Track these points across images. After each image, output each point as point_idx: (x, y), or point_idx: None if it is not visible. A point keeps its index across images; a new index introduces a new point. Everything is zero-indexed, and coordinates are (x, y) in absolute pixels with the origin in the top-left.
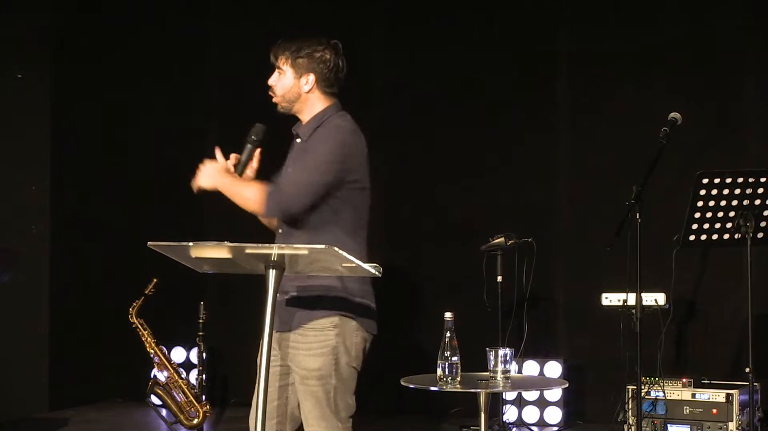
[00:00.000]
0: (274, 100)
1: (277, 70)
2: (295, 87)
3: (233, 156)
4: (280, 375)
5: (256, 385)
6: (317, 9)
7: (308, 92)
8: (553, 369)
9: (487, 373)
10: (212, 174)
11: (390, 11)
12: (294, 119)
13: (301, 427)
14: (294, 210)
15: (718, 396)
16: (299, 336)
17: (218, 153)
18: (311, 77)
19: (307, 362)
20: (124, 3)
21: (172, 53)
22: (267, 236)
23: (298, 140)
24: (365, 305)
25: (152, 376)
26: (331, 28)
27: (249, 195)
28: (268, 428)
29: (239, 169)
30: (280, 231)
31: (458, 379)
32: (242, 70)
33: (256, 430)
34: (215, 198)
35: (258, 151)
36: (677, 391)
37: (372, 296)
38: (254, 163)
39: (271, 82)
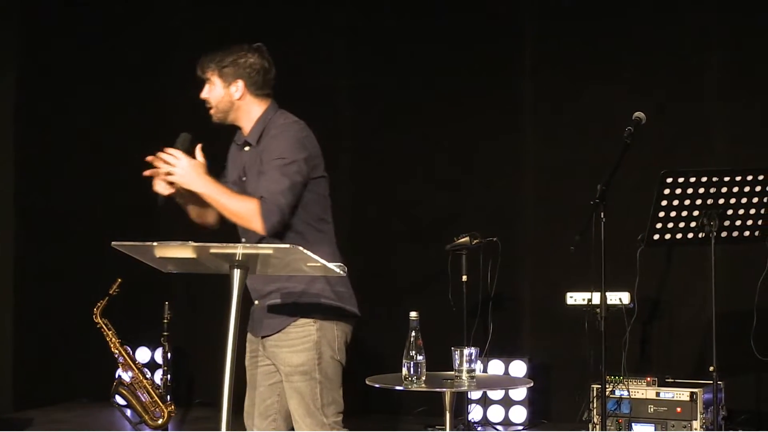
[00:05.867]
0: (210, 112)
1: (207, 83)
2: (226, 96)
3: (154, 160)
4: (271, 373)
5: (248, 387)
6: (283, 10)
7: (240, 99)
8: (518, 368)
9: (452, 373)
10: (191, 171)
11: (354, 11)
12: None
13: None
14: (287, 219)
15: (683, 395)
16: (282, 334)
17: (199, 151)
18: (240, 83)
19: (291, 358)
20: (91, 2)
21: (139, 53)
22: (235, 237)
23: (247, 147)
24: (344, 295)
25: (117, 376)
26: (296, 28)
27: (240, 208)
28: (263, 428)
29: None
30: (243, 240)
31: (423, 378)
32: None
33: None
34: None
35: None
36: (642, 390)
37: (347, 280)
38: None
39: (204, 95)
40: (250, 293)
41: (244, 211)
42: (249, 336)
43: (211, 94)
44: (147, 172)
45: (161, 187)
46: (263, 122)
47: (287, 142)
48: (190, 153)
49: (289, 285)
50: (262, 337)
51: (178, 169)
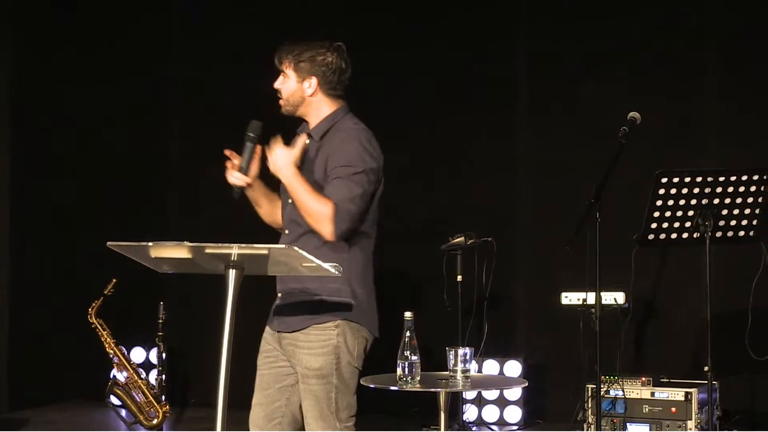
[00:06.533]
0: (280, 102)
1: (281, 74)
2: (298, 91)
3: (231, 154)
4: (282, 375)
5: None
6: (283, 10)
7: (311, 95)
8: (513, 368)
9: (447, 373)
10: (284, 158)
11: (353, 13)
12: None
13: (302, 428)
14: (356, 227)
15: (677, 394)
16: (300, 335)
17: (302, 139)
18: (313, 80)
19: (309, 361)
20: (91, 2)
21: (139, 53)
22: (229, 237)
23: (308, 140)
24: (367, 308)
25: (112, 376)
26: (295, 28)
27: (315, 208)
28: (268, 428)
29: (243, 169)
30: (287, 232)
31: (418, 378)
32: (206, 70)
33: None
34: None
35: (259, 148)
36: (636, 390)
37: (374, 298)
38: (256, 163)
39: (276, 85)
40: (277, 288)
41: (319, 212)
42: (265, 334)
43: (284, 86)
44: (227, 165)
45: (235, 179)
46: (330, 121)
47: (356, 149)
48: (262, 139)
49: (313, 286)
50: (279, 332)
51: (275, 155)
